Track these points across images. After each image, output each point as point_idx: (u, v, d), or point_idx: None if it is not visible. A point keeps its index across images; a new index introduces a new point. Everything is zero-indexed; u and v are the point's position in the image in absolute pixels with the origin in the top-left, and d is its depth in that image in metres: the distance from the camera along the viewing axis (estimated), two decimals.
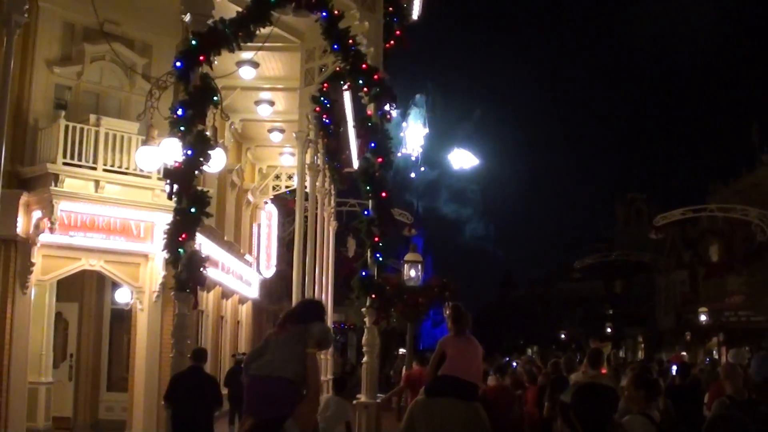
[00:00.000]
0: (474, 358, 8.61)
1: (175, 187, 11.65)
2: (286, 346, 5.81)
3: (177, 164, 11.74)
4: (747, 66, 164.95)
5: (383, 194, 13.64)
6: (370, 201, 13.77)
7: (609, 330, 68.39)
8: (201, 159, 11.76)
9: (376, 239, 13.53)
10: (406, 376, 16.41)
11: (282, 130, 24.92)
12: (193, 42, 11.95)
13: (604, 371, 12.32)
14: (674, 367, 19.83)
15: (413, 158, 39.03)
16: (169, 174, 11.86)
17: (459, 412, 7.78)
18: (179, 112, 11.78)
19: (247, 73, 18.92)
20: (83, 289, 21.01)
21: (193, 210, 11.57)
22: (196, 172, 11.84)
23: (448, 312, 8.86)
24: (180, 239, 11.51)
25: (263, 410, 5.54)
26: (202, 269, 11.81)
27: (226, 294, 26.58)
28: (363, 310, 13.79)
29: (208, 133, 12.28)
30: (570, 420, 5.12)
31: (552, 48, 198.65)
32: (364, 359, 13.80)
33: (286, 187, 29.83)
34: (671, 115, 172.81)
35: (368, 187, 13.67)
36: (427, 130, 34.89)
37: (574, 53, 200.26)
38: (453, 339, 8.72)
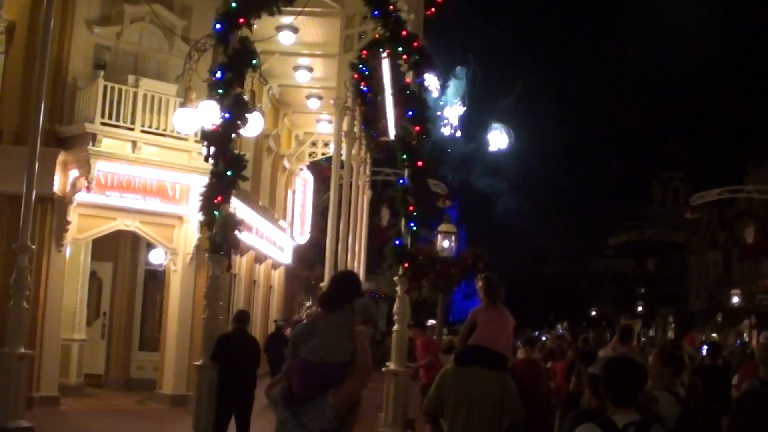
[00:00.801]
0: (504, 329, 8.57)
1: (212, 149, 11.71)
2: (336, 329, 5.79)
3: (215, 127, 11.78)
4: None
5: (419, 163, 13.57)
6: (406, 170, 13.70)
7: (640, 309, 68.08)
8: (238, 122, 11.81)
9: (411, 208, 13.46)
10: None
11: (320, 97, 24.87)
12: (234, 4, 11.95)
13: (634, 347, 12.27)
14: (705, 348, 19.71)
15: (451, 131, 38.91)
16: (206, 136, 11.92)
17: (487, 381, 7.76)
18: (218, 74, 11.81)
19: (286, 38, 18.88)
20: (118, 249, 21.19)
21: (229, 173, 11.63)
22: (233, 135, 11.89)
23: (480, 283, 8.81)
24: (215, 202, 11.58)
25: (317, 394, 5.55)
26: (236, 232, 11.89)
27: (259, 258, 26.68)
28: (395, 279, 13.74)
29: (245, 97, 12.30)
30: (599, 392, 5.10)
31: (591, 27, 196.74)
32: (395, 327, 13.78)
33: (322, 154, 29.82)
34: (710, 93, 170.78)
35: (404, 156, 13.61)
36: (464, 107, 34.84)
37: (613, 33, 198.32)
38: (485, 309, 8.67)
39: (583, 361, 10.45)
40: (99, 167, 17.20)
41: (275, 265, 29.73)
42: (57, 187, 17.43)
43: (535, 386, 11.72)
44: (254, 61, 12.19)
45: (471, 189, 64.31)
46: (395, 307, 13.83)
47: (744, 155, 59.99)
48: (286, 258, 30.45)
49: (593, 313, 79.24)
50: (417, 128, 13.61)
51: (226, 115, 11.67)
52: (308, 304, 44.48)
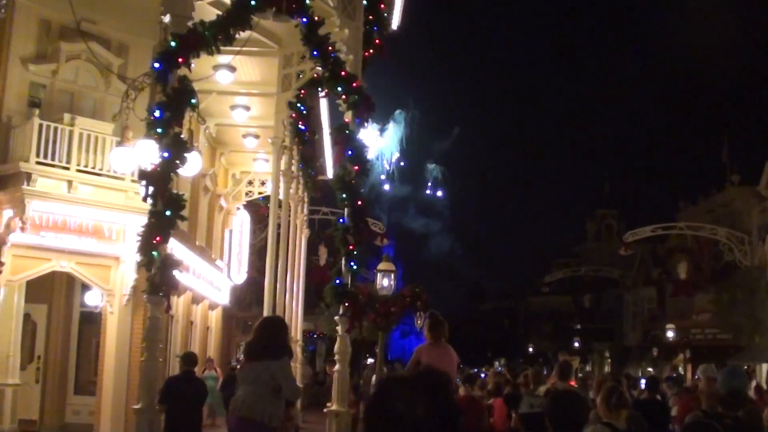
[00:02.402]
0: (448, 367, 8.61)
1: (151, 189, 11.59)
2: (256, 385, 5.76)
3: (153, 166, 11.67)
4: (718, 85, 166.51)
5: (359, 203, 13.59)
6: (345, 209, 13.71)
7: (576, 344, 68.55)
8: (177, 162, 11.71)
9: (351, 247, 13.45)
10: None
11: (257, 136, 24.80)
12: (173, 43, 11.90)
13: (572, 383, 12.35)
14: (643, 381, 19.92)
15: (387, 172, 39.12)
16: (145, 176, 11.79)
17: None
18: (156, 113, 11.72)
19: (223, 78, 18.81)
20: (52, 291, 20.79)
21: (168, 213, 11.51)
22: (172, 174, 11.80)
23: (425, 321, 8.85)
24: (154, 242, 11.44)
25: None
26: (175, 273, 11.77)
27: (196, 299, 26.43)
28: (336, 318, 13.71)
29: (184, 136, 12.24)
30: (537, 427, 5.16)
31: (525, 67, 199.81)
32: (336, 367, 13.71)
33: (259, 193, 29.69)
34: (642, 133, 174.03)
35: (344, 195, 13.61)
36: (400, 150, 35.05)
37: (546, 74, 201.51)
38: (429, 347, 8.73)
39: (507, 403, 10.48)
40: (34, 207, 16.94)
41: (212, 306, 29.46)
42: None
43: (478, 424, 11.75)
44: (193, 101, 12.13)
45: (406, 229, 64.74)
46: (336, 347, 13.77)
47: (676, 193, 61.10)
48: (224, 298, 30.19)
49: (530, 349, 79.80)
50: (356, 168, 13.65)
51: (165, 154, 11.58)
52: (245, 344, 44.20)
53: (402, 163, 38.82)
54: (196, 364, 12.96)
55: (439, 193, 44.67)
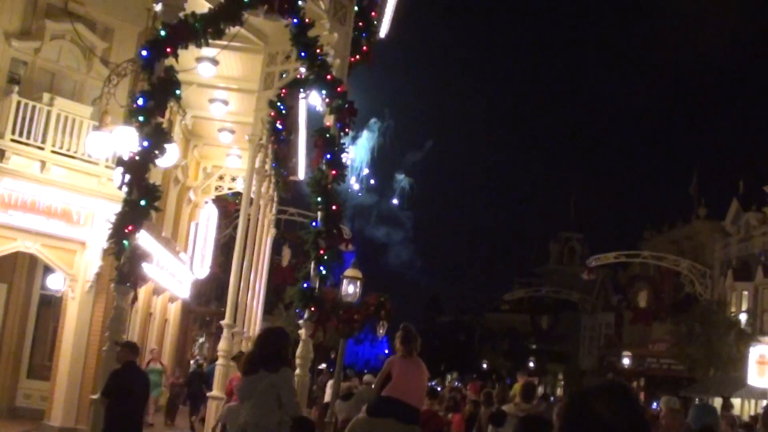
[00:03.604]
0: (419, 382, 8.57)
1: (127, 177, 11.48)
2: (259, 399, 5.69)
3: (131, 155, 11.56)
4: (692, 117, 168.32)
5: (334, 207, 13.55)
6: (319, 213, 13.65)
7: (532, 364, 68.80)
8: (156, 152, 11.63)
9: (322, 252, 13.40)
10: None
11: (232, 131, 24.63)
12: (162, 32, 11.81)
13: (536, 405, 12.33)
14: None
15: (357, 179, 39.15)
16: (122, 163, 11.67)
17: None
18: (140, 101, 11.62)
19: (206, 70, 18.64)
20: (14, 271, 20.48)
21: (143, 203, 11.42)
22: (150, 164, 11.70)
23: (400, 333, 8.79)
24: (126, 231, 11.33)
25: None
26: (143, 264, 11.67)
27: (157, 290, 26.18)
28: (300, 322, 13.63)
29: (164, 126, 12.15)
30: None
31: (499, 84, 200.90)
32: (297, 371, 13.60)
33: (229, 189, 29.52)
34: (614, 157, 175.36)
35: (318, 199, 13.56)
36: (370, 158, 35.15)
37: (519, 92, 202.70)
38: (400, 360, 8.66)
39: (493, 422, 10.46)
40: (4, 185, 16.73)
41: (173, 299, 29.21)
42: None
43: None
44: (177, 92, 12.06)
45: (367, 237, 64.87)
46: (298, 351, 13.68)
47: (642, 221, 61.48)
48: (184, 292, 29.93)
49: (484, 365, 79.92)
50: (334, 172, 13.60)
51: (145, 143, 11.48)
52: (201, 340, 43.85)
53: (371, 172, 38.89)
54: (138, 354, 12.65)
55: (403, 203, 44.76)
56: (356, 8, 15.17)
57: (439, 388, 23.59)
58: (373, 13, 16.25)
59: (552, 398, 32.73)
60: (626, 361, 48.17)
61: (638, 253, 45.59)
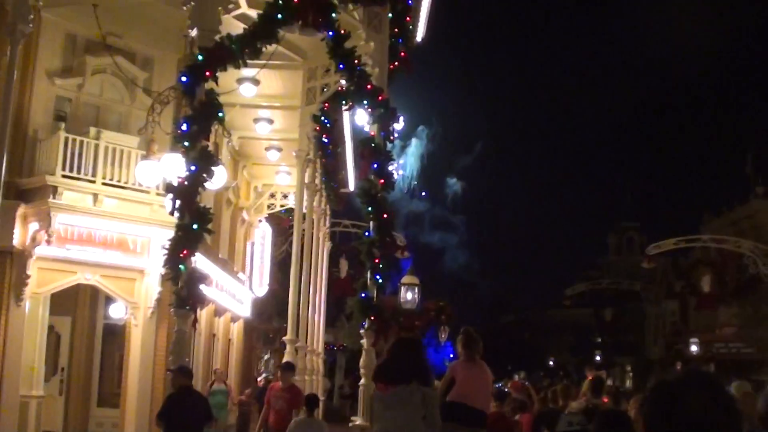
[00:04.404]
0: (483, 385, 8.53)
1: (178, 202, 11.58)
2: (406, 410, 5.67)
3: (180, 180, 11.66)
4: (743, 96, 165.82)
5: (384, 216, 13.54)
6: (371, 222, 13.64)
7: (598, 358, 68.24)
8: (204, 175, 11.71)
9: (377, 261, 13.40)
10: None
11: (279, 149, 24.83)
12: (200, 57, 11.90)
13: (605, 400, 12.22)
14: None
15: (410, 186, 39.20)
16: (171, 190, 11.77)
17: None
18: (183, 127, 11.72)
19: (247, 91, 18.84)
20: (77, 303, 20.80)
21: (195, 226, 11.50)
22: (199, 188, 11.79)
23: (460, 337, 8.75)
24: (181, 255, 11.43)
25: None
26: (202, 286, 11.75)
27: (219, 312, 26.40)
28: (362, 332, 13.64)
29: (210, 149, 12.24)
30: None
31: (548, 80, 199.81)
32: (362, 381, 13.64)
33: (281, 206, 29.75)
34: (666, 145, 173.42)
35: (369, 209, 13.57)
36: (421, 165, 35.16)
37: (570, 87, 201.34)
38: (463, 364, 8.63)
39: (545, 423, 10.31)
40: (59, 220, 16.95)
41: (234, 318, 29.43)
42: (17, 240, 17.09)
43: None
44: (220, 114, 12.14)
45: (424, 243, 64.74)
46: (362, 361, 13.70)
47: (700, 206, 60.78)
48: (245, 311, 30.14)
49: (551, 362, 79.47)
50: (381, 181, 13.60)
51: (192, 167, 11.57)
52: (266, 357, 44.07)
53: (422, 179, 38.87)
54: (191, 378, 12.62)
55: (457, 207, 44.67)
56: (390, 15, 15.16)
57: (505, 389, 23.28)
58: (407, 18, 16.23)
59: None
60: (694, 348, 47.61)
61: (698, 238, 44.82)
